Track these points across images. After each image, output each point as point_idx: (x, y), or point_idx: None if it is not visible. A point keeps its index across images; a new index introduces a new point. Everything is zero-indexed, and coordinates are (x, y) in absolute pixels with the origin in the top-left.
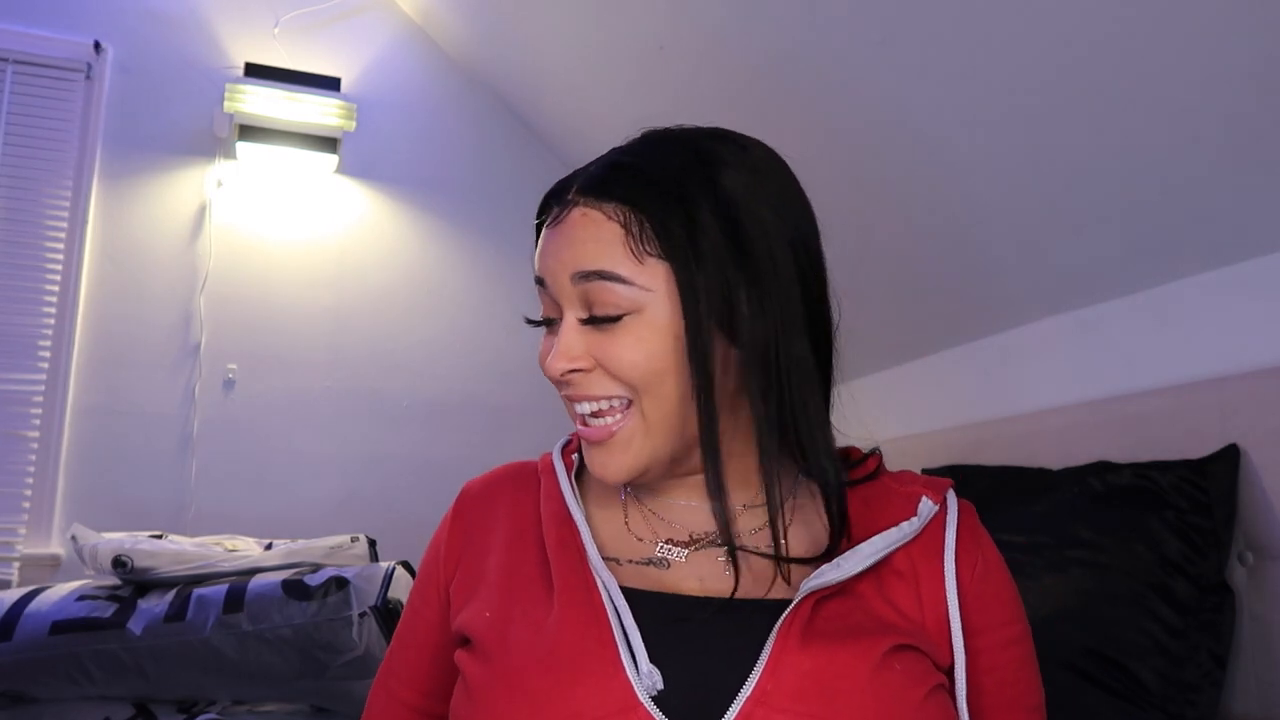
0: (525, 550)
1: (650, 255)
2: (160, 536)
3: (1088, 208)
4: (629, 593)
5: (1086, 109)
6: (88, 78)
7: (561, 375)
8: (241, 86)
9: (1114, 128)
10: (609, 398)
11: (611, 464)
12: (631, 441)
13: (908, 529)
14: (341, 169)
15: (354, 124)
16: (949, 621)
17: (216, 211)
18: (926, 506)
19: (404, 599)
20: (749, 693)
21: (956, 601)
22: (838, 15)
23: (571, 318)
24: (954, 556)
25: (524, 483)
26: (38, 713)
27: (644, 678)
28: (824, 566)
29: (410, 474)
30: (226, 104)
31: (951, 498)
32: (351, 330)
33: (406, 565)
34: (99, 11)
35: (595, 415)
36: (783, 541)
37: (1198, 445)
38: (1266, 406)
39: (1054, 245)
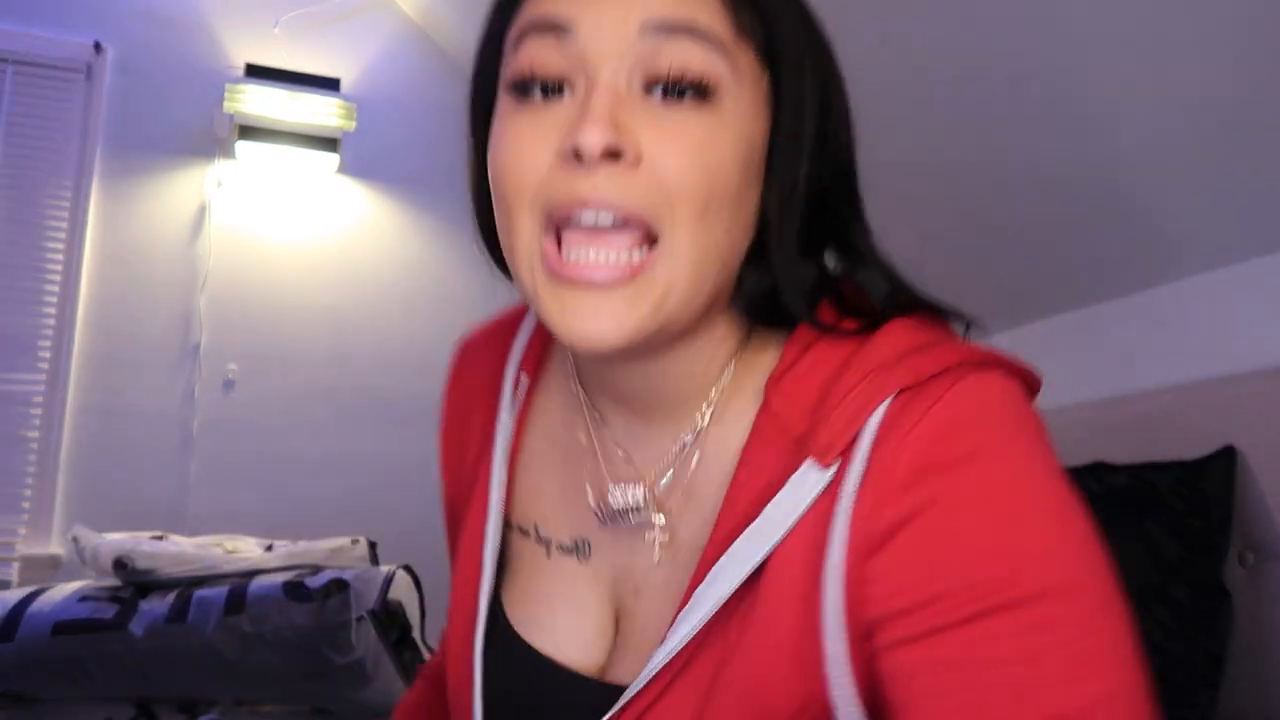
0: (479, 497)
1: (745, 37)
2: (161, 537)
3: (1087, 209)
4: (509, 636)
5: (1086, 107)
6: (88, 78)
7: (598, 153)
8: (241, 86)
9: (1114, 127)
10: (634, 219)
11: (605, 319)
12: (649, 291)
13: (760, 536)
14: (341, 169)
15: (354, 124)
16: (821, 631)
17: (216, 211)
18: (801, 483)
19: (404, 602)
20: None
21: (840, 595)
22: (839, 13)
23: (619, 79)
24: (845, 528)
25: (498, 371)
26: (40, 713)
27: None
28: (655, 654)
29: (411, 474)
30: (226, 104)
31: (871, 425)
32: (352, 330)
33: (408, 569)
34: (99, 11)
35: (596, 244)
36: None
37: (1195, 446)
38: (1264, 408)
39: (1051, 246)
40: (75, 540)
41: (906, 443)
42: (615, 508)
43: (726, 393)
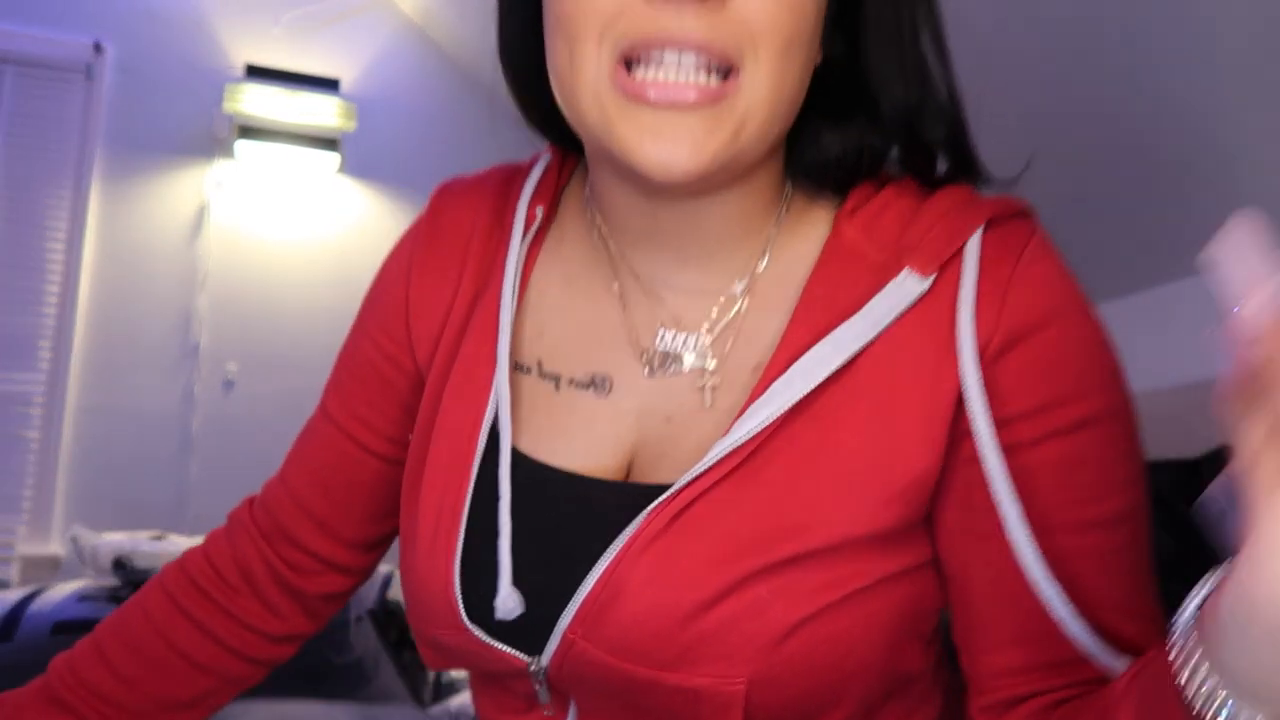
0: (481, 326)
1: None
2: (160, 537)
3: (1086, 208)
4: (517, 457)
5: (1086, 106)
6: (88, 78)
7: None
8: (241, 87)
9: (1114, 125)
10: (720, 59)
11: (685, 145)
12: (729, 118)
13: (848, 338)
14: (342, 169)
15: (354, 124)
16: (962, 447)
17: (216, 211)
18: (897, 292)
19: (403, 602)
20: (568, 620)
21: (984, 413)
22: None
23: None
24: (970, 341)
25: (502, 213)
26: None
27: (500, 600)
28: (714, 447)
29: None
30: (226, 104)
31: (973, 247)
32: None
33: None
34: (99, 11)
35: (676, 81)
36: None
37: (1195, 446)
38: None
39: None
40: (75, 540)
41: (1018, 272)
42: (664, 350)
43: (780, 237)
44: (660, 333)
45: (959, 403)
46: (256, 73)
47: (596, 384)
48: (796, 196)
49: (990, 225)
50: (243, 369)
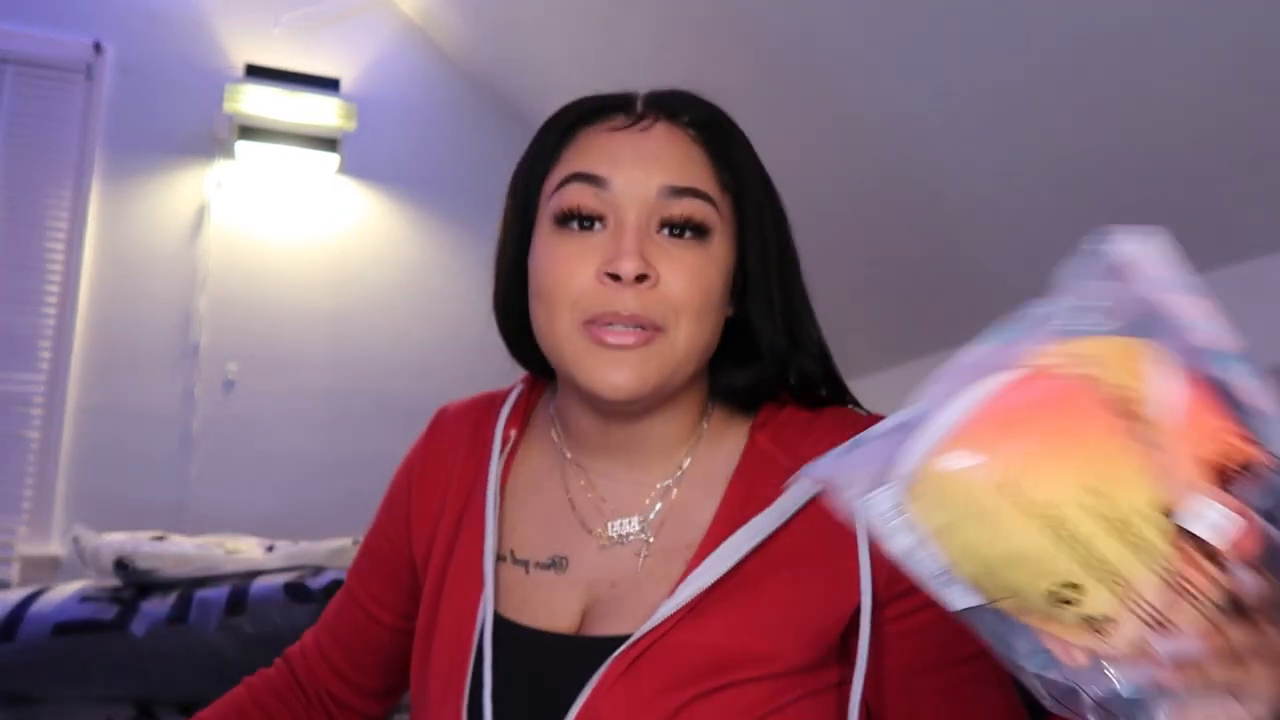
0: (470, 527)
1: (726, 189)
2: (161, 537)
3: (1086, 208)
4: (499, 624)
5: (1085, 108)
6: (88, 78)
7: (631, 279)
8: (241, 87)
9: (1115, 127)
10: (650, 324)
11: (625, 372)
12: (655, 357)
13: (764, 524)
14: (341, 169)
15: (354, 124)
16: (859, 603)
17: (216, 212)
18: (797, 492)
19: None
20: None
21: (869, 581)
22: (841, 14)
23: (643, 221)
24: (868, 555)
25: (484, 435)
26: (39, 713)
27: None
28: (664, 605)
29: None
30: (226, 104)
31: None
32: (351, 331)
33: None
34: (99, 11)
35: (623, 330)
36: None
37: None
38: None
39: (1052, 246)
40: (75, 540)
41: None
42: (613, 535)
43: (703, 447)
44: (609, 523)
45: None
46: (256, 73)
47: (556, 564)
48: (716, 414)
49: None
50: (243, 369)
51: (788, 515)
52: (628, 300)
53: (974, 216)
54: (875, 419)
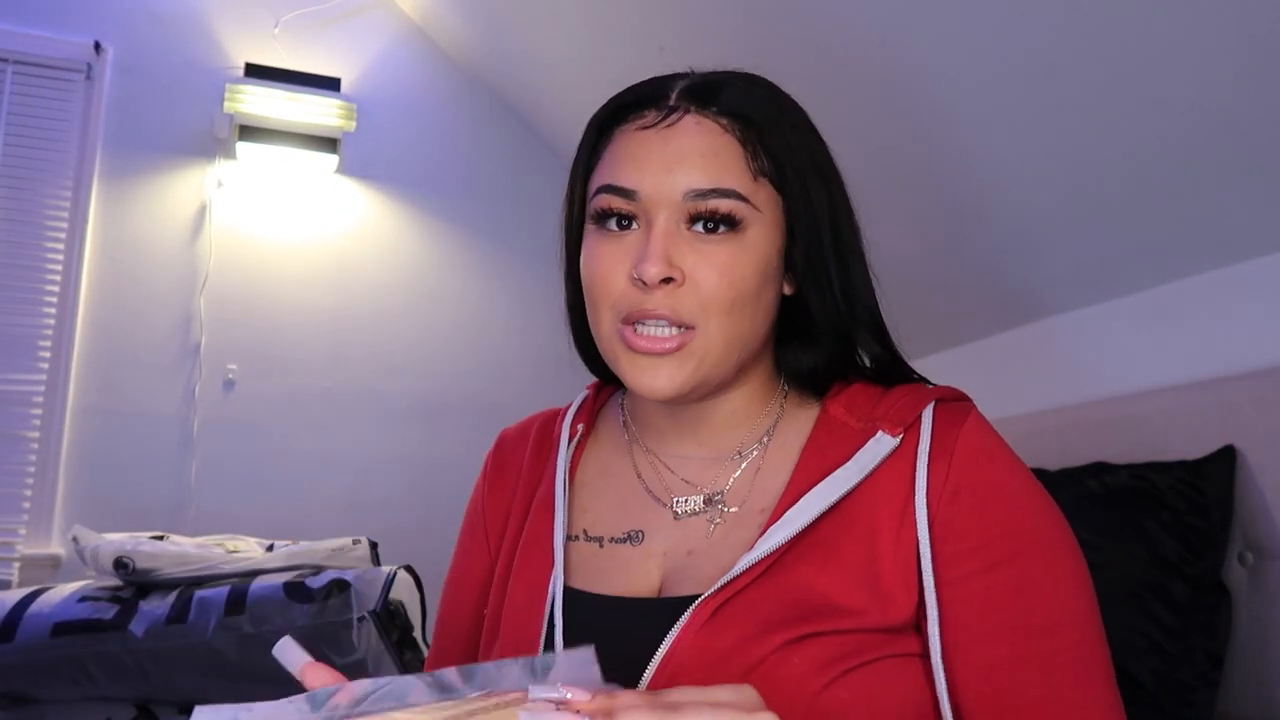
0: (539, 512)
1: (761, 175)
2: (161, 537)
3: (1087, 208)
4: (570, 595)
5: (1086, 108)
6: (88, 78)
7: (655, 282)
8: (241, 87)
9: (1114, 128)
10: (680, 323)
11: (661, 377)
12: (690, 359)
13: (841, 480)
14: (341, 169)
15: (354, 124)
16: (919, 566)
17: (216, 212)
18: (875, 447)
19: (405, 602)
20: None
21: (928, 540)
22: (842, 15)
23: (670, 224)
24: (924, 486)
25: (548, 438)
26: (39, 713)
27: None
28: (743, 558)
29: (411, 474)
30: (226, 104)
31: (927, 416)
32: (351, 330)
33: (410, 569)
34: (99, 11)
35: (655, 328)
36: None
37: (1195, 446)
38: (1264, 407)
39: (1053, 246)
40: (75, 540)
41: (960, 436)
42: (688, 509)
43: (779, 423)
44: (683, 497)
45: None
46: (256, 72)
47: (632, 537)
48: (791, 393)
49: (939, 403)
50: (243, 369)
51: (864, 474)
52: (658, 301)
53: (973, 217)
54: (947, 391)
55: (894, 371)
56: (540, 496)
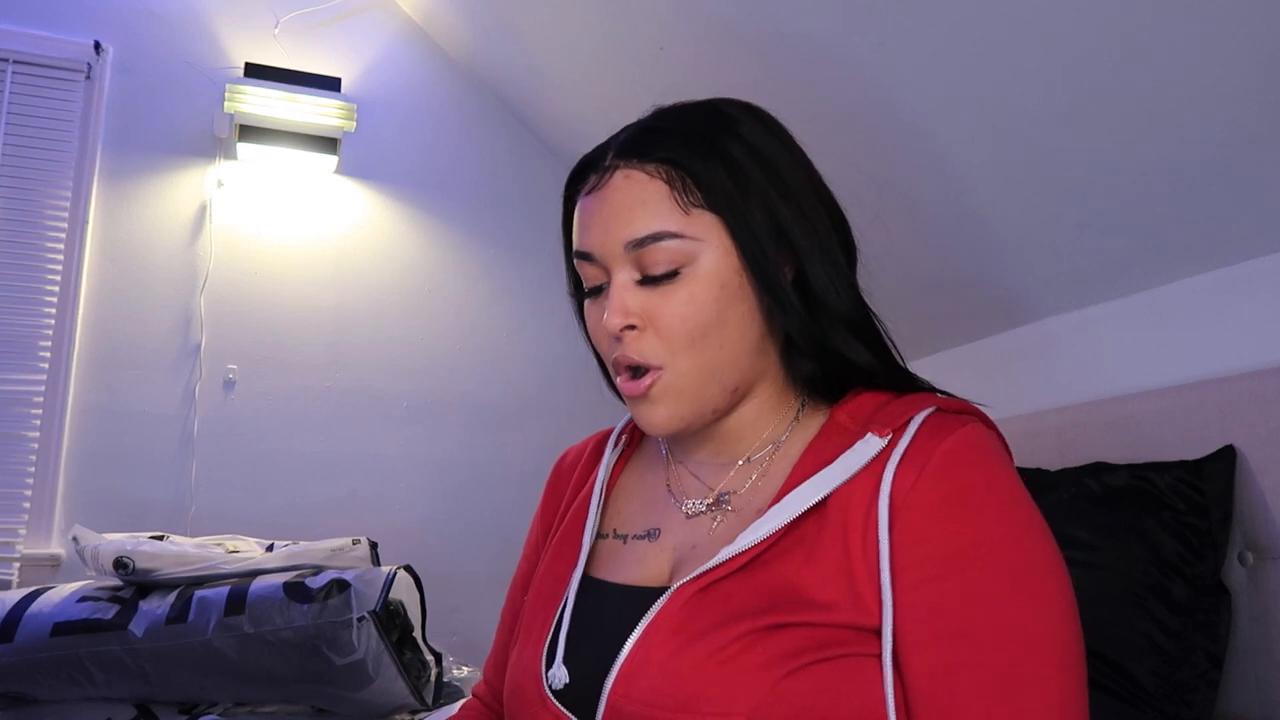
0: (575, 512)
1: (695, 206)
2: (161, 537)
3: (1087, 209)
4: (587, 582)
5: (1087, 109)
6: (88, 78)
7: (619, 331)
8: (241, 87)
9: (1114, 127)
10: (647, 365)
11: (654, 416)
12: (665, 395)
13: (825, 480)
14: (341, 169)
15: (354, 124)
16: (878, 570)
17: (216, 212)
18: (862, 448)
19: (405, 602)
20: (610, 684)
21: (887, 543)
22: (840, 15)
23: (624, 277)
24: (889, 490)
25: (599, 452)
26: (39, 713)
27: (552, 674)
28: (723, 550)
29: (411, 474)
30: (226, 104)
31: (915, 422)
32: (351, 330)
33: (409, 569)
34: (99, 11)
35: (638, 372)
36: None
37: (1195, 446)
38: (1264, 407)
39: (1052, 246)
40: (75, 540)
41: (943, 446)
42: (699, 508)
43: (794, 428)
44: (687, 502)
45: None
46: (256, 72)
47: (650, 534)
48: (810, 401)
49: (939, 411)
50: (243, 369)
51: (849, 474)
52: (627, 346)
53: (972, 217)
54: (956, 402)
55: (898, 378)
56: (580, 500)
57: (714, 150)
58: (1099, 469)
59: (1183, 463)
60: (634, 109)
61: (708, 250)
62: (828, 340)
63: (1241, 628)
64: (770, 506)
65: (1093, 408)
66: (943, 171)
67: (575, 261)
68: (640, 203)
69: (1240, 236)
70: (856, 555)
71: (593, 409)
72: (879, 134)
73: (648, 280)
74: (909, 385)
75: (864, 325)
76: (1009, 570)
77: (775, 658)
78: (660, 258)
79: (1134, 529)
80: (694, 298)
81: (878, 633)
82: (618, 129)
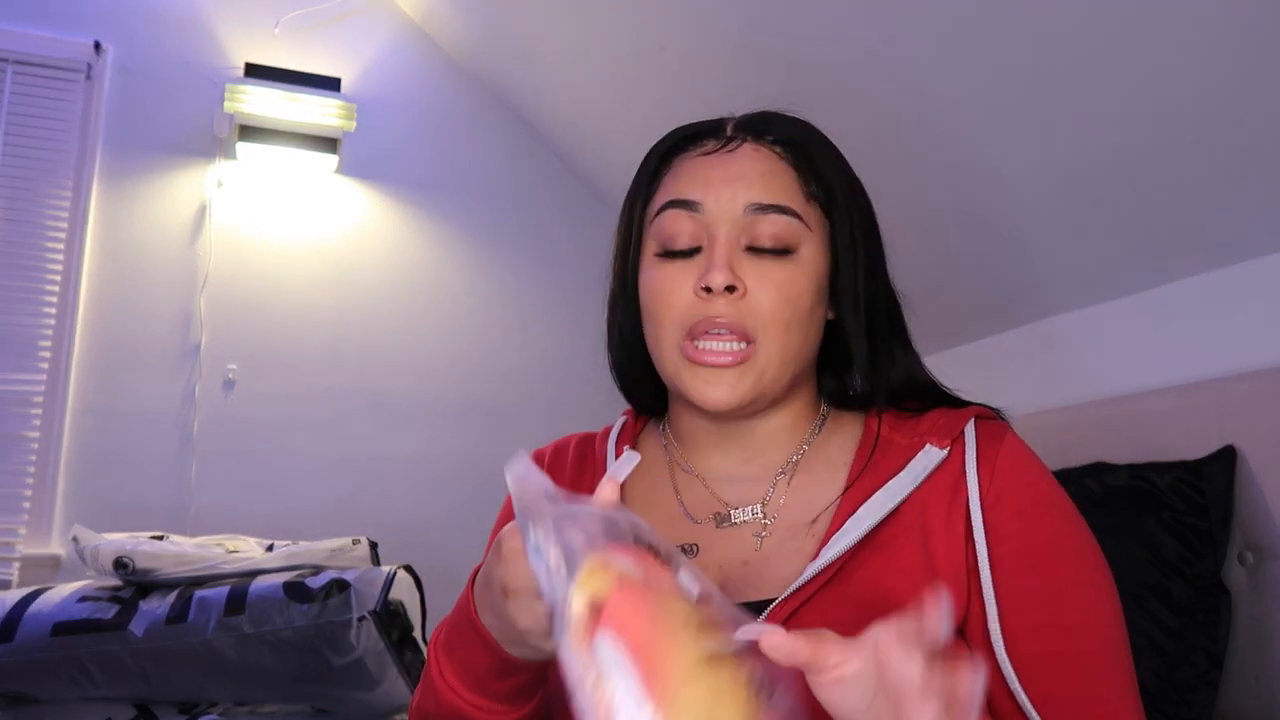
0: None
1: (813, 199)
2: (161, 537)
3: (1087, 209)
4: None
5: (1087, 108)
6: (88, 78)
7: (721, 289)
8: (241, 87)
9: (1115, 127)
10: (741, 335)
11: (723, 388)
12: (750, 372)
13: (896, 489)
14: (341, 169)
15: (354, 124)
16: (968, 564)
17: (216, 211)
18: (925, 458)
19: (405, 602)
20: None
21: (984, 541)
22: (845, 13)
23: (732, 237)
24: (977, 492)
25: (587, 458)
26: (39, 713)
27: None
28: (809, 566)
29: (410, 474)
30: (226, 104)
31: (970, 430)
32: (351, 330)
33: (409, 569)
34: (99, 11)
35: (717, 343)
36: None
37: (1195, 446)
38: (1264, 407)
39: (1052, 247)
40: (75, 540)
41: (1003, 448)
42: (735, 521)
43: (818, 439)
44: (730, 510)
45: (968, 533)
46: (256, 72)
47: (688, 550)
48: (831, 413)
49: (978, 419)
50: (243, 369)
51: (917, 483)
52: (721, 309)
53: (973, 217)
54: (984, 409)
55: (931, 391)
56: None
57: (829, 156)
58: (1099, 469)
59: (1183, 463)
60: (634, 109)
61: (812, 242)
62: (883, 354)
63: (1241, 628)
64: (837, 518)
65: (1093, 408)
66: (943, 173)
67: (668, 213)
68: (771, 174)
69: (1240, 236)
70: (940, 557)
71: (593, 409)
72: (879, 134)
73: (757, 250)
74: (937, 397)
75: (906, 338)
76: (1079, 560)
77: None
78: (776, 230)
79: (1134, 529)
80: (796, 282)
81: (960, 630)
82: (617, 129)
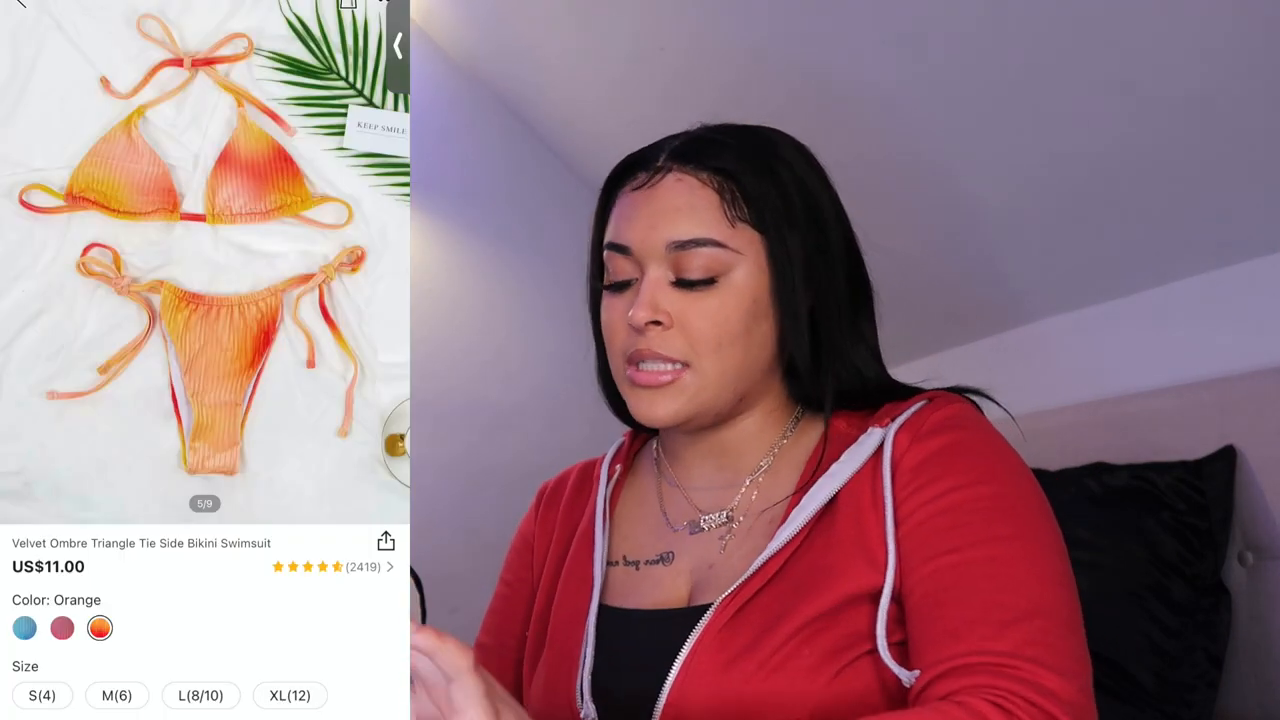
0: (580, 541)
1: (741, 221)
2: None
3: (1087, 209)
4: (605, 611)
5: (1086, 108)
6: None
7: (643, 326)
8: None
9: (1113, 127)
10: (673, 360)
11: (659, 408)
12: (683, 392)
13: (836, 476)
14: None
15: None
16: (885, 536)
17: None
18: (866, 440)
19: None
20: (660, 711)
21: (890, 490)
22: (839, 16)
23: (659, 275)
24: (890, 450)
25: (587, 480)
26: None
27: (584, 708)
28: (755, 560)
29: (411, 475)
30: None
31: (914, 407)
32: None
33: (410, 570)
34: None
35: (654, 363)
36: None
37: (1195, 446)
38: (1264, 407)
39: (1052, 246)
40: None
41: (936, 411)
42: (704, 527)
43: (788, 444)
44: (702, 518)
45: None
46: None
47: (664, 558)
48: (806, 416)
49: (932, 400)
50: None
51: (857, 467)
52: (650, 340)
53: (971, 217)
54: (930, 393)
55: (889, 389)
56: (582, 529)
57: (766, 171)
58: (1099, 469)
59: (1183, 463)
60: (633, 109)
61: (744, 265)
62: (828, 373)
63: (1241, 628)
64: (786, 513)
65: (1093, 408)
66: (941, 172)
67: (606, 253)
68: (690, 207)
69: (1240, 236)
70: (869, 524)
71: (593, 410)
72: (876, 135)
73: (682, 283)
74: (895, 390)
75: (867, 364)
76: (1008, 480)
77: (824, 656)
78: (699, 263)
79: (1134, 529)
80: (725, 306)
81: (900, 624)
82: (618, 130)
